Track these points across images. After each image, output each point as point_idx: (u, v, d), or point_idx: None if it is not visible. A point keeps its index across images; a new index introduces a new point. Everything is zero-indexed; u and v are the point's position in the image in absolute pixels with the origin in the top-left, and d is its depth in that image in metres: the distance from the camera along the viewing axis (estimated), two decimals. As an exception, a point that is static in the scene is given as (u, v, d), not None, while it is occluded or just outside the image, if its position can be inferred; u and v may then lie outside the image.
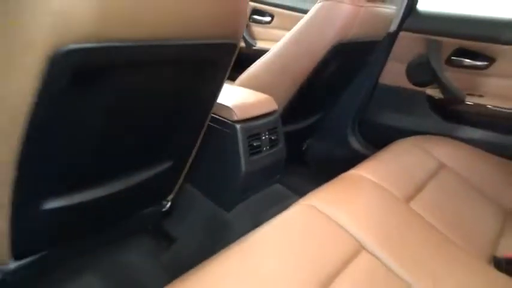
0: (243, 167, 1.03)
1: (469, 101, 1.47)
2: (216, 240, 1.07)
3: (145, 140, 0.85)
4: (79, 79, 0.58)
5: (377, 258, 0.79)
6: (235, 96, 1.08)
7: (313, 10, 1.16)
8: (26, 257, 0.83)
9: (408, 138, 1.39)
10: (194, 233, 1.11)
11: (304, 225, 0.81)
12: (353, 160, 1.18)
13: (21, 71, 0.54)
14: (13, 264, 0.82)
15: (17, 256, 0.81)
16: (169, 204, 1.14)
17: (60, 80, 0.57)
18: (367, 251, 0.80)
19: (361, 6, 1.10)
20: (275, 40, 1.49)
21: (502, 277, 0.86)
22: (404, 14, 1.48)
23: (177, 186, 1.10)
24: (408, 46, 1.53)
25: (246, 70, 1.29)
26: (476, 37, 1.44)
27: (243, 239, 0.74)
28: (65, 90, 0.58)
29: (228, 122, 1.02)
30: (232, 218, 1.10)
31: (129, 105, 0.71)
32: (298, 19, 1.21)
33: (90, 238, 0.97)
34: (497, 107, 1.43)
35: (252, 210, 1.11)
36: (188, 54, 0.68)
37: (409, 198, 1.06)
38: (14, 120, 0.59)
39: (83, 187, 0.81)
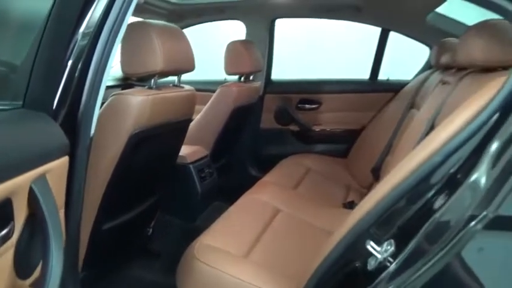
0: (199, 190, 1.70)
1: (315, 128, 2.42)
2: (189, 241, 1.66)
3: (149, 181, 1.46)
4: (134, 146, 1.20)
5: (289, 214, 1.52)
6: (184, 150, 1.74)
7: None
8: (89, 269, 1.29)
9: (287, 158, 2.22)
10: (174, 244, 1.69)
11: (244, 207, 1.50)
12: (254, 183, 1.88)
13: (115, 148, 1.14)
14: (82, 274, 1.29)
15: (84, 267, 1.29)
16: (151, 230, 1.71)
17: (128, 148, 1.18)
18: (283, 212, 1.52)
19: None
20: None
21: (346, 212, 1.69)
22: (265, 84, 2.38)
23: (156, 215, 1.69)
24: (272, 102, 2.43)
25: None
26: (309, 91, 2.43)
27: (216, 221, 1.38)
28: (128, 154, 1.19)
29: (185, 164, 1.69)
30: (195, 226, 1.72)
31: (149, 159, 1.34)
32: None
33: (113, 258, 1.48)
34: (330, 129, 2.41)
35: (207, 218, 1.74)
36: (179, 126, 1.36)
37: (295, 187, 1.86)
38: (105, 174, 1.16)
39: (119, 214, 1.37)
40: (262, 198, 1.59)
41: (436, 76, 1.78)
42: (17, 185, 0.60)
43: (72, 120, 0.87)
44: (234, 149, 2.34)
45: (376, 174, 1.97)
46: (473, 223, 0.63)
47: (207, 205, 1.82)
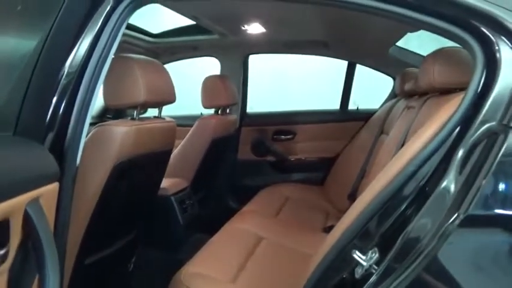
0: (181, 221, 1.70)
1: (291, 158, 2.49)
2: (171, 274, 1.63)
3: (133, 212, 1.46)
4: (118, 176, 1.22)
5: (272, 241, 1.53)
6: (164, 182, 1.75)
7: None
8: None
9: (265, 188, 2.25)
10: (156, 278, 1.65)
11: (227, 236, 1.52)
12: (233, 214, 1.91)
13: (98, 178, 1.15)
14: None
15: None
16: (132, 265, 1.68)
17: (112, 178, 1.19)
18: (266, 239, 1.54)
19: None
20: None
21: (326, 235, 1.72)
22: (241, 117, 2.46)
23: (136, 250, 1.66)
24: (248, 134, 2.49)
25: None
26: (283, 123, 2.51)
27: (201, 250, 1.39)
28: (112, 185, 1.20)
29: (166, 196, 1.69)
30: (179, 257, 1.70)
31: (132, 190, 1.35)
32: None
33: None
34: (305, 158, 2.48)
35: (190, 249, 1.73)
36: (161, 157, 1.39)
37: (275, 215, 1.89)
38: (89, 205, 1.16)
39: (100, 248, 1.35)
40: (245, 226, 1.61)
41: (402, 103, 1.91)
42: (14, 206, 0.61)
43: (60, 145, 0.89)
44: (213, 180, 2.36)
45: (353, 198, 2.03)
46: (446, 225, 0.69)
47: (189, 237, 1.81)
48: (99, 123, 1.18)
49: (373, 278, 0.74)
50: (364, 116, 2.38)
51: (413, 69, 1.90)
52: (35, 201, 0.67)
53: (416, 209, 0.78)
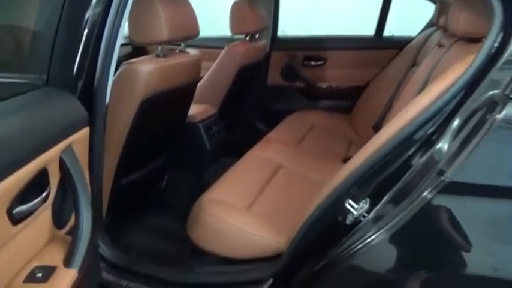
0: (208, 147, 1.84)
1: (320, 85, 2.48)
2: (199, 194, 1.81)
3: (161, 140, 1.59)
4: (145, 111, 1.32)
5: (290, 169, 1.64)
6: (193, 109, 1.85)
7: None
8: (111, 217, 1.47)
9: (292, 114, 2.31)
10: (185, 196, 1.85)
11: (248, 163, 1.63)
12: (261, 137, 2.01)
13: (128, 113, 1.26)
14: (105, 221, 1.46)
15: (106, 216, 1.46)
16: (165, 183, 1.88)
17: (139, 114, 1.29)
18: (284, 167, 1.65)
19: None
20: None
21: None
22: (271, 41, 2.42)
23: (168, 170, 1.84)
24: (278, 59, 2.47)
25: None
26: (314, 48, 2.46)
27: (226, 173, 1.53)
28: (141, 118, 1.31)
29: (195, 123, 1.81)
30: (205, 180, 1.87)
31: (160, 121, 1.46)
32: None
33: (132, 208, 1.66)
34: (335, 86, 2.47)
35: (216, 172, 1.89)
36: (187, 89, 1.46)
37: (298, 142, 1.97)
38: (121, 137, 1.29)
39: (134, 170, 1.52)
40: (266, 154, 1.72)
41: (437, 36, 1.80)
42: (50, 157, 0.72)
43: (88, 91, 0.98)
44: (242, 105, 2.43)
45: (377, 130, 2.05)
46: (431, 188, 0.74)
47: (216, 160, 1.96)
48: (125, 62, 1.25)
49: (360, 225, 0.83)
50: (399, 44, 2.27)
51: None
52: (68, 148, 0.78)
53: (409, 167, 0.83)
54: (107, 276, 1.20)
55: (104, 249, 1.23)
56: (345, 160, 1.95)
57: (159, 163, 1.69)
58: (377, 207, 0.82)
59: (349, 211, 0.85)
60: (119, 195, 1.45)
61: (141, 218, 1.62)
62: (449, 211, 0.75)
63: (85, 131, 0.88)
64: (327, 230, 0.95)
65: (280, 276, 1.05)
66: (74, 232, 0.74)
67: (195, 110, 1.86)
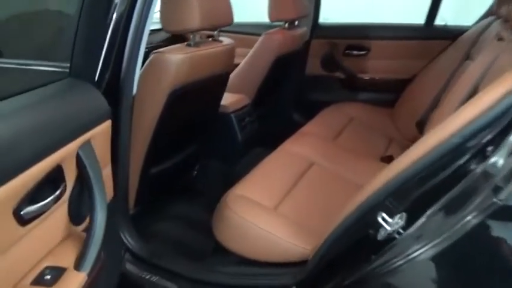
0: (239, 138, 1.78)
1: (361, 76, 2.34)
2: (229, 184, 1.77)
3: (192, 130, 1.56)
4: (175, 101, 1.28)
5: (323, 167, 1.56)
6: (226, 99, 1.80)
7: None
8: (138, 205, 1.47)
9: (330, 106, 2.20)
10: (216, 185, 1.83)
11: (279, 159, 1.56)
12: (297, 128, 1.93)
13: (157, 104, 1.23)
14: (133, 210, 1.46)
15: (135, 204, 1.46)
16: (196, 172, 1.86)
17: (168, 105, 1.26)
18: (317, 165, 1.57)
19: None
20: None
21: (383, 165, 1.69)
22: (312, 29, 2.30)
23: (199, 159, 1.81)
24: (318, 48, 2.36)
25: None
26: (357, 37, 2.32)
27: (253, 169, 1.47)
28: (170, 109, 1.27)
29: (227, 113, 1.76)
30: (236, 170, 1.83)
31: (191, 111, 1.42)
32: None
33: (162, 196, 1.65)
34: (378, 78, 2.32)
35: (247, 163, 1.84)
36: (219, 79, 1.41)
37: (334, 137, 1.88)
38: (150, 127, 1.27)
39: (164, 160, 1.50)
40: (298, 150, 1.64)
41: (495, 26, 1.62)
42: (66, 153, 0.70)
43: (114, 83, 0.95)
44: (278, 95, 2.36)
45: (421, 127, 1.91)
46: (480, 209, 0.64)
47: (248, 151, 1.91)
48: (155, 50, 1.22)
49: (393, 244, 0.75)
50: (452, 34, 2.08)
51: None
52: (86, 144, 0.75)
53: (458, 180, 0.73)
54: (130, 267, 1.20)
55: (130, 240, 1.22)
56: (383, 159, 1.84)
57: (190, 152, 1.66)
58: (416, 224, 0.73)
59: (382, 226, 0.77)
60: (148, 185, 1.44)
61: (169, 208, 1.61)
62: (502, 238, 0.65)
63: (107, 125, 0.86)
64: (356, 244, 0.87)
65: (305, 286, 0.99)
66: (87, 233, 0.72)
67: (228, 99, 1.82)
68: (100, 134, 0.82)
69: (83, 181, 0.75)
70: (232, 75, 2.01)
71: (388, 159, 1.79)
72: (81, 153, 0.73)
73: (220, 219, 1.20)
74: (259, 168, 1.46)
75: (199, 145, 1.71)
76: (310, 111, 2.15)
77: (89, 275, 0.66)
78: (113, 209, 1.00)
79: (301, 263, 1.03)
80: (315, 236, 1.06)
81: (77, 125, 0.74)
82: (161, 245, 1.31)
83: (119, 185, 1.18)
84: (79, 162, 0.74)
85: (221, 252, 1.18)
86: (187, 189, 1.83)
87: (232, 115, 1.78)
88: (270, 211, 1.21)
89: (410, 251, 0.72)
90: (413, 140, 1.94)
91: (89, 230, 0.72)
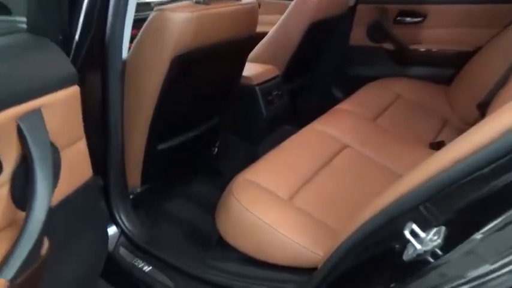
0: (264, 113, 1.59)
1: (414, 48, 2.02)
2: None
3: (208, 103, 1.39)
4: (180, 69, 1.10)
5: (356, 152, 1.33)
6: (251, 69, 1.60)
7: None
8: (146, 183, 1.35)
9: (375, 81, 1.93)
10: (238, 165, 1.66)
11: (304, 139, 1.35)
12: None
13: (157, 71, 1.06)
14: (140, 188, 1.34)
15: (142, 182, 1.34)
16: (216, 149, 1.69)
17: (171, 73, 1.08)
18: (351, 148, 1.34)
19: None
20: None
21: (431, 152, 1.43)
22: (358, -9, 2.01)
23: (219, 135, 1.65)
24: (364, 14, 2.06)
25: (253, 51, 1.80)
26: (411, 1, 1.98)
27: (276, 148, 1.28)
28: (174, 78, 1.10)
29: (250, 85, 1.56)
30: (260, 150, 1.64)
31: (202, 82, 1.24)
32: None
33: (176, 174, 1.52)
34: (434, 49, 1.99)
35: (273, 142, 1.65)
36: (238, 46, 1.21)
37: (375, 117, 1.62)
38: (150, 98, 1.11)
39: (175, 135, 1.35)
40: (330, 129, 1.42)
41: None
42: None
43: (95, 43, 0.80)
44: (315, 68, 2.11)
45: (483, 110, 1.60)
46: None
47: (275, 129, 1.71)
48: (158, 7, 1.04)
49: (423, 270, 0.53)
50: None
51: None
52: (31, 113, 0.60)
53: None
54: (124, 252, 1.08)
55: (126, 224, 1.10)
56: (432, 145, 1.56)
57: (207, 128, 1.49)
58: (465, 245, 0.51)
59: (409, 241, 0.55)
60: (156, 162, 1.31)
61: (180, 188, 1.46)
62: None
63: (71, 91, 0.70)
64: (373, 259, 0.66)
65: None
66: (21, 229, 0.57)
67: (253, 70, 1.62)
68: (59, 102, 0.67)
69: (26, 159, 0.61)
70: (261, 44, 1.80)
71: (439, 146, 1.51)
72: (21, 125, 0.58)
73: (223, 207, 1.03)
74: (279, 149, 1.27)
75: (219, 120, 1.54)
76: (351, 87, 1.90)
77: (11, 281, 0.52)
78: (92, 189, 0.87)
79: (310, 270, 0.83)
80: (331, 238, 0.85)
81: (19, 88, 0.59)
82: (161, 231, 1.18)
83: (112, 162, 1.05)
84: (20, 135, 0.59)
85: (224, 247, 1.02)
86: (205, 168, 1.68)
87: (256, 87, 1.58)
88: (282, 202, 1.01)
89: (454, 285, 0.50)
90: (472, 124, 1.63)
91: (24, 223, 0.57)
